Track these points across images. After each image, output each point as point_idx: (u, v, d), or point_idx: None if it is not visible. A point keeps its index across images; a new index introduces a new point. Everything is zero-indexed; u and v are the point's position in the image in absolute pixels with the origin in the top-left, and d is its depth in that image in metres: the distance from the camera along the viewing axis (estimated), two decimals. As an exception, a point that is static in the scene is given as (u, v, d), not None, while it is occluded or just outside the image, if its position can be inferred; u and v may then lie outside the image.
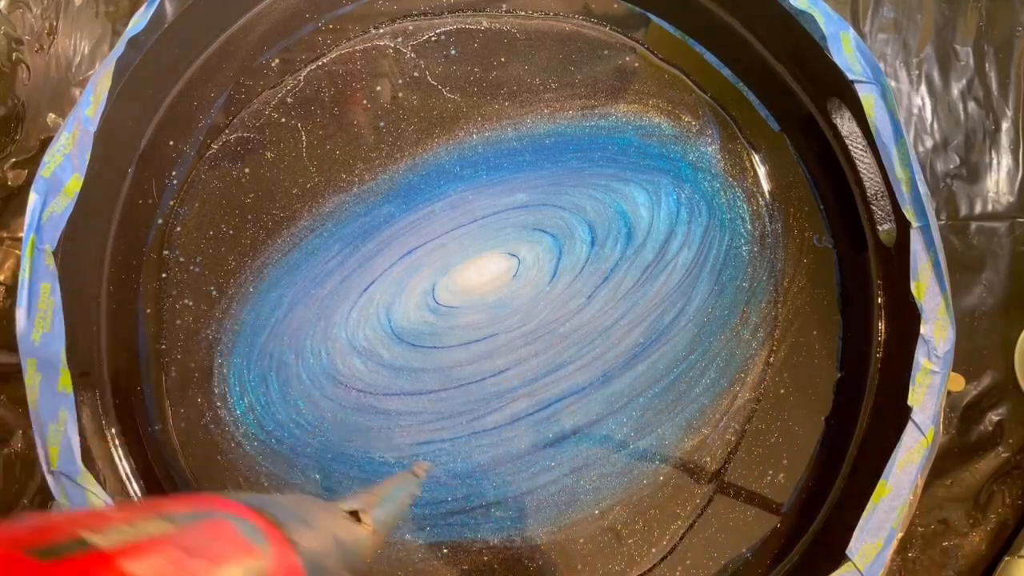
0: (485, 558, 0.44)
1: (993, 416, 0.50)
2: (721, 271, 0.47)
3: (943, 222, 0.51)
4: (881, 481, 0.39)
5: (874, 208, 0.44)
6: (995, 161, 0.52)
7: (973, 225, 0.51)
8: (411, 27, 0.47)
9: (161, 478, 0.44)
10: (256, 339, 0.45)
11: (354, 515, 0.27)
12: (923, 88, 0.52)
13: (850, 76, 0.41)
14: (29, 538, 0.18)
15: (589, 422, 0.45)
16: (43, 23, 0.51)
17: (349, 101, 0.47)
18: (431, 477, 0.45)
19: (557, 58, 0.47)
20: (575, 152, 0.47)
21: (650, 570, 0.45)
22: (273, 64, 0.47)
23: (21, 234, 0.40)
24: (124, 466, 0.43)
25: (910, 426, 0.40)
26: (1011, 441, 0.49)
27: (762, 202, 0.48)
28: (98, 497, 0.39)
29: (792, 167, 0.48)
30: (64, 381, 0.39)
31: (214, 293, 0.45)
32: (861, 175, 0.44)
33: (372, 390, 0.45)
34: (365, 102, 0.47)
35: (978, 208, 0.51)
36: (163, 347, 0.45)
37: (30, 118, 0.51)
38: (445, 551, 0.44)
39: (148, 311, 0.45)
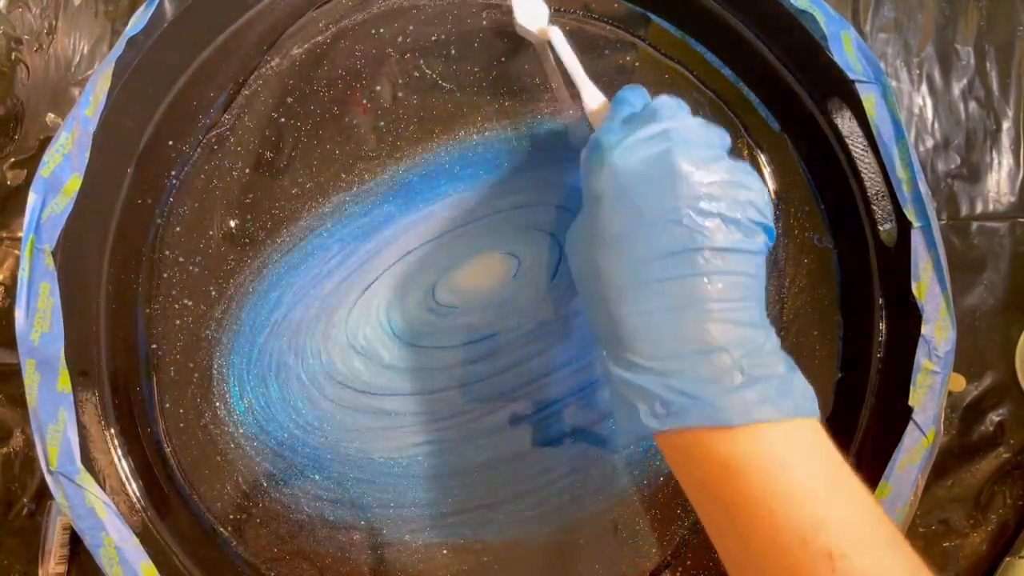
0: (485, 558, 0.44)
1: (994, 416, 0.50)
2: (721, 271, 0.46)
3: (944, 222, 0.51)
4: (882, 482, 0.39)
5: (875, 208, 0.44)
6: (996, 161, 0.52)
7: (974, 225, 0.51)
8: (411, 27, 0.47)
9: (160, 478, 0.44)
10: (256, 339, 0.45)
11: None
12: (924, 88, 0.52)
13: (851, 76, 0.41)
14: None
15: (589, 422, 0.45)
16: (42, 22, 0.51)
17: (349, 101, 0.47)
18: (432, 478, 0.45)
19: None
20: (576, 152, 0.47)
21: (651, 570, 0.45)
22: (273, 64, 0.47)
23: (20, 234, 0.40)
24: (123, 466, 0.43)
25: (911, 427, 0.40)
26: (1012, 441, 0.49)
27: (763, 202, 0.47)
28: (97, 497, 0.39)
29: (792, 167, 0.48)
30: (63, 381, 0.39)
31: (214, 293, 0.45)
32: (862, 175, 0.44)
33: (372, 390, 0.45)
34: (365, 102, 0.47)
35: (979, 208, 0.51)
36: (162, 347, 0.45)
37: (29, 118, 0.51)
38: (445, 551, 0.44)
39: (148, 311, 0.45)
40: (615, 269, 0.32)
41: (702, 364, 0.30)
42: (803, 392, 0.31)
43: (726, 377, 0.30)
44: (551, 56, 0.42)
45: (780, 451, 0.29)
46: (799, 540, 0.28)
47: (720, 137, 0.34)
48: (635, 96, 0.37)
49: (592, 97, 0.40)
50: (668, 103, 0.35)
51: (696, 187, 0.31)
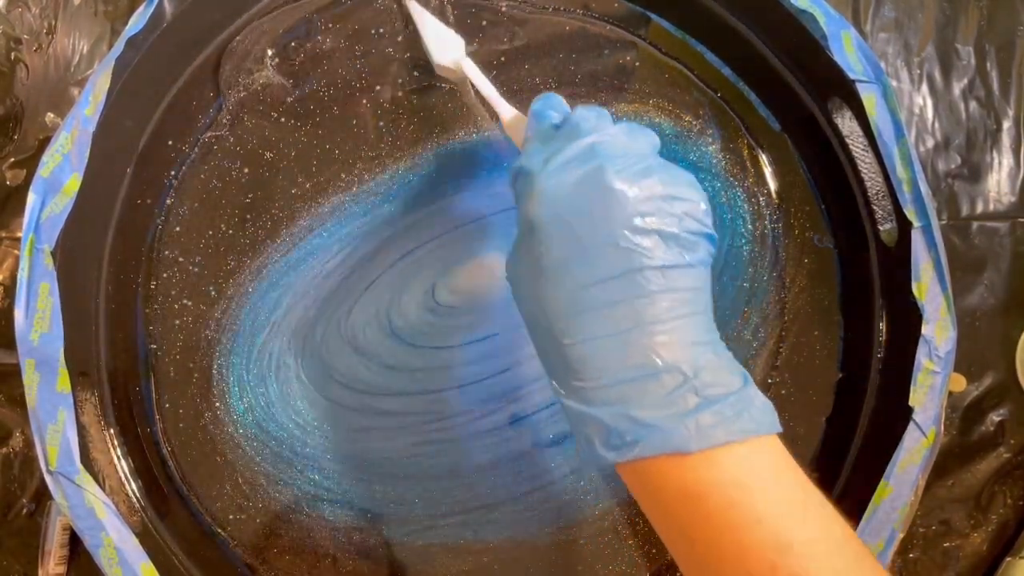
0: (485, 559, 0.44)
1: (994, 416, 0.50)
2: (722, 271, 0.46)
3: (944, 222, 0.51)
4: (882, 482, 0.39)
5: (875, 208, 0.44)
6: (996, 161, 0.52)
7: (974, 225, 0.51)
8: (411, 26, 0.47)
9: (160, 478, 0.44)
10: (255, 339, 0.45)
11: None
12: (924, 87, 0.52)
13: (851, 76, 0.41)
14: None
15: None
16: (42, 22, 0.51)
17: (349, 101, 0.47)
18: (432, 478, 0.44)
19: (558, 56, 0.47)
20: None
21: (651, 571, 0.45)
22: (273, 64, 0.47)
23: (20, 234, 0.40)
24: (122, 466, 0.43)
25: (911, 427, 0.40)
26: (1012, 442, 0.49)
27: (763, 202, 0.48)
28: (97, 498, 0.39)
29: (793, 167, 0.48)
30: (63, 381, 0.39)
31: (213, 293, 0.45)
32: (862, 175, 0.44)
33: (372, 390, 0.45)
34: (365, 102, 0.47)
35: (979, 208, 0.51)
36: (162, 347, 0.45)
37: (29, 118, 0.50)
38: (445, 551, 0.44)
39: (147, 311, 0.45)
40: (556, 297, 0.31)
41: (653, 388, 0.29)
42: (761, 408, 0.30)
43: (679, 400, 0.29)
44: (471, 89, 0.42)
45: (741, 474, 0.28)
46: (768, 566, 0.27)
47: (648, 142, 0.33)
48: (551, 107, 0.35)
49: (507, 111, 0.40)
50: (587, 115, 0.33)
51: (630, 205, 0.30)
